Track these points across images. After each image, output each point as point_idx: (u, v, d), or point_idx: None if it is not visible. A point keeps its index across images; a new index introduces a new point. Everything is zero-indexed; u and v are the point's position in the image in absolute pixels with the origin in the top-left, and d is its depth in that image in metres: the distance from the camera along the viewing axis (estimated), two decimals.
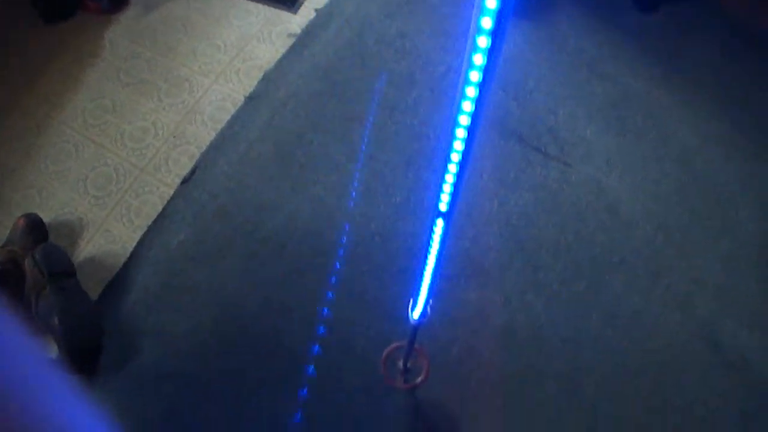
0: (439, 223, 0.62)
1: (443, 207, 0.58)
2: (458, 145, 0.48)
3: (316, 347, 1.30)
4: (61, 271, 1.38)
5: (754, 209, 1.46)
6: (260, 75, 1.65)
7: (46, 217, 1.49)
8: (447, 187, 0.54)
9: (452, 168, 0.51)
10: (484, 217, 1.37)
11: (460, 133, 0.46)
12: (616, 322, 1.35)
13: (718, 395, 1.33)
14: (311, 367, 1.29)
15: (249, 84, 1.63)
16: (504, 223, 1.36)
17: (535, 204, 1.39)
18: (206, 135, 1.51)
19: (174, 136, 1.53)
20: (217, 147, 1.48)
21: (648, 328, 1.36)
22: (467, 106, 0.43)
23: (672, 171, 1.46)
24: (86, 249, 1.47)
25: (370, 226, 1.37)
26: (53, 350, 1.38)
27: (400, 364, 1.20)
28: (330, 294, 1.33)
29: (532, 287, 1.34)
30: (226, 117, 1.54)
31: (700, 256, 1.42)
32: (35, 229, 1.46)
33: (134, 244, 1.43)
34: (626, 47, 1.64)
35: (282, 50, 1.71)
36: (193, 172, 1.47)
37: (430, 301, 0.86)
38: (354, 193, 1.40)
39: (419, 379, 1.22)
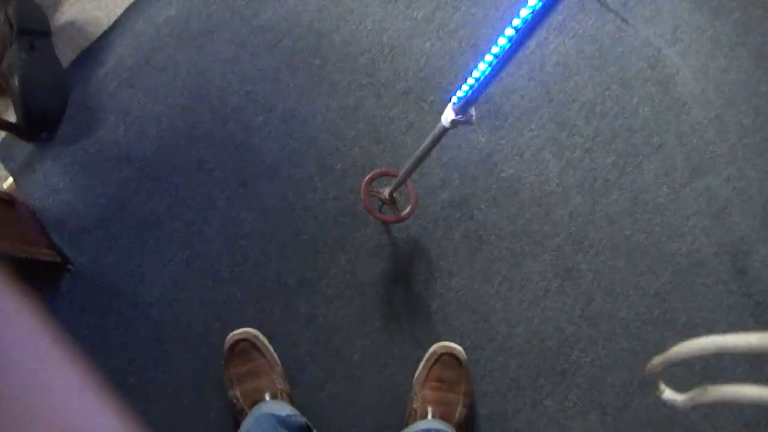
0: None
1: None
2: None
3: (289, 155, 1.14)
4: (34, 28, 1.24)
5: None
6: None
7: None
8: None
9: None
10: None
11: None
12: (638, 210, 1.15)
13: (727, 325, 1.15)
14: (281, 174, 1.13)
15: None
16: (537, 68, 1.16)
17: (577, 56, 1.18)
18: None
19: None
20: None
21: (671, 228, 1.16)
22: None
23: (745, 63, 1.23)
24: (69, 11, 1.31)
25: (382, 37, 1.18)
26: (11, 112, 1.26)
27: (386, 192, 1.02)
28: (320, 101, 1.16)
29: (552, 146, 1.15)
30: None
31: (753, 166, 1.20)
32: None
33: (120, 12, 1.27)
34: None
35: None
36: None
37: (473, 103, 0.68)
38: None
39: (404, 213, 1.03)
